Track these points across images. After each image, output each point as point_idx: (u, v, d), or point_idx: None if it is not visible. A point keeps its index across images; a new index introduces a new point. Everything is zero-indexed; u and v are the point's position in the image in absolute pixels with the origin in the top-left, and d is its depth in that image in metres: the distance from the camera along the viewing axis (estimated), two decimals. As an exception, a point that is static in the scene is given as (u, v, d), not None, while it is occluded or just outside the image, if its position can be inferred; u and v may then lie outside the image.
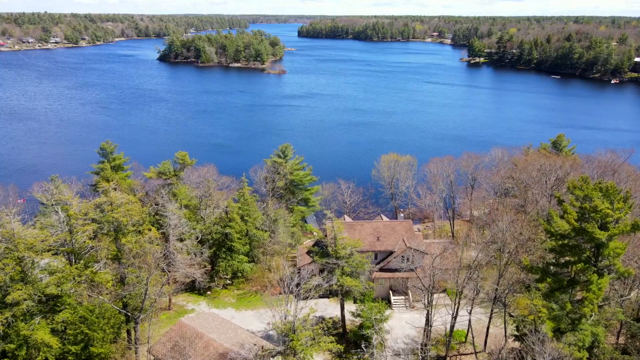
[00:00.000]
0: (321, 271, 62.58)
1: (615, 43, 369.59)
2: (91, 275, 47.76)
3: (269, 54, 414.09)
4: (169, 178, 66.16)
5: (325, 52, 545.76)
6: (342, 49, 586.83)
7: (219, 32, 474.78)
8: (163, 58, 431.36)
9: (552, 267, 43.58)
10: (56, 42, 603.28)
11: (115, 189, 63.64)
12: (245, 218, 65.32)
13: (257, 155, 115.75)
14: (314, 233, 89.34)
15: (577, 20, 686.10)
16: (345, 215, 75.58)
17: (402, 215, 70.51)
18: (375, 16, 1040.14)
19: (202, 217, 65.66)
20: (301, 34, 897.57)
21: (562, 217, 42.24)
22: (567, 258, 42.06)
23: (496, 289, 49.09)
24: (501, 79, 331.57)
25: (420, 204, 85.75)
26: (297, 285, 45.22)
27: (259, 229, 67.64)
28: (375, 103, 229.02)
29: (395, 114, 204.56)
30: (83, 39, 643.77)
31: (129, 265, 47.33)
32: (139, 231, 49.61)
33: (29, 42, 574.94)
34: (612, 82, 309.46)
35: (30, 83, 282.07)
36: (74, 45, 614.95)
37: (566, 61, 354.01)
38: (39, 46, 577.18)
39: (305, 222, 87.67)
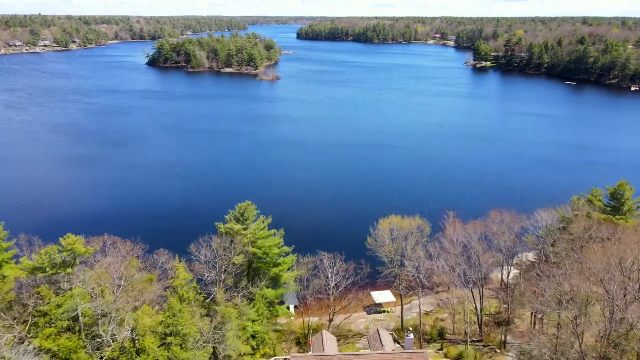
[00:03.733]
0: None
1: (631, 46, 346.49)
2: None
3: (263, 59, 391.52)
4: (51, 275, 43.24)
5: (324, 55, 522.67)
6: (341, 52, 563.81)
7: (210, 34, 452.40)
8: (152, 62, 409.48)
9: None
10: (45, 46, 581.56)
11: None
12: (170, 339, 42.17)
13: (207, 214, 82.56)
14: (292, 318, 66.29)
15: (584, 21, 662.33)
16: (323, 332, 52.20)
17: (410, 336, 47.03)
18: (376, 17, 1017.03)
19: (96, 346, 42.10)
20: (300, 35, 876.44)
21: None
22: None
23: None
24: (513, 87, 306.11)
25: (436, 280, 62.63)
26: None
27: (192, 349, 44.41)
28: (372, 128, 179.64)
29: (394, 143, 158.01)
30: (74, 41, 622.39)
31: None
32: None
33: (15, 46, 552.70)
34: (632, 88, 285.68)
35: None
36: (63, 48, 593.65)
37: (580, 66, 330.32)
38: (27, 50, 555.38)
39: (282, 302, 64.68)
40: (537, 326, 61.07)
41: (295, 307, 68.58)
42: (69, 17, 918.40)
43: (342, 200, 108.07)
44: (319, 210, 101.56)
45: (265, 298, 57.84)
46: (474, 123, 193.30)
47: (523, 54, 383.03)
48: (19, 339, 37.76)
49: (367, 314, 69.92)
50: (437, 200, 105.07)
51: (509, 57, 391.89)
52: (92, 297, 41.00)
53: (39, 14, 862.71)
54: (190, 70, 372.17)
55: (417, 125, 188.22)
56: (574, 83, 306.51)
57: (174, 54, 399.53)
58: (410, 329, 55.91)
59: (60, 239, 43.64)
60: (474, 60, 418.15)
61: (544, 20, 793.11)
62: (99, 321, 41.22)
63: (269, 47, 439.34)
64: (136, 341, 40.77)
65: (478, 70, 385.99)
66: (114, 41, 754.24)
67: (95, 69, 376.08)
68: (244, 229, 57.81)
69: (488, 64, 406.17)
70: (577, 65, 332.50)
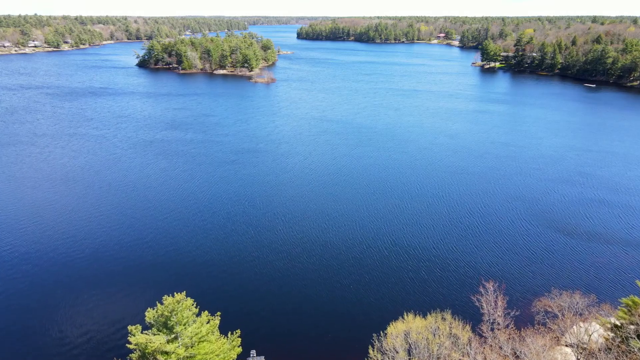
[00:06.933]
0: None
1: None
2: None
3: (259, 60, 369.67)
4: None
5: (324, 55, 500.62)
6: (342, 52, 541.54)
7: (204, 34, 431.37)
8: (142, 64, 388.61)
9: None
10: (35, 47, 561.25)
11: None
12: None
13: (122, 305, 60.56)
14: None
15: (595, 19, 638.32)
16: None
17: None
18: (378, 17, 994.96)
19: None
20: (300, 35, 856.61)
21: None
22: None
23: None
24: (534, 91, 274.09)
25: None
26: None
27: None
28: (377, 155, 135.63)
29: (405, 182, 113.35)
30: (66, 42, 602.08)
31: None
32: None
33: (4, 47, 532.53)
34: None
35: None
36: (55, 49, 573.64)
37: (598, 67, 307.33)
38: (15, 51, 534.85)
39: None
40: None
41: None
42: (65, 17, 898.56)
43: (333, 283, 67.93)
44: (298, 298, 63.58)
45: None
46: (509, 142, 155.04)
47: (535, 54, 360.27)
48: None
49: None
50: (471, 270, 71.38)
51: (520, 58, 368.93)
52: None
53: (35, 14, 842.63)
54: (182, 72, 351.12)
55: (432, 148, 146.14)
56: (594, 85, 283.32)
57: (166, 55, 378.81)
58: None
59: None
60: (482, 60, 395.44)
61: (551, 20, 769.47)
62: None
63: (266, 48, 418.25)
64: None
65: (487, 72, 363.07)
66: (109, 42, 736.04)
67: (73, 69, 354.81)
68: (172, 340, 35.99)
69: (497, 64, 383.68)
70: (595, 66, 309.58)
